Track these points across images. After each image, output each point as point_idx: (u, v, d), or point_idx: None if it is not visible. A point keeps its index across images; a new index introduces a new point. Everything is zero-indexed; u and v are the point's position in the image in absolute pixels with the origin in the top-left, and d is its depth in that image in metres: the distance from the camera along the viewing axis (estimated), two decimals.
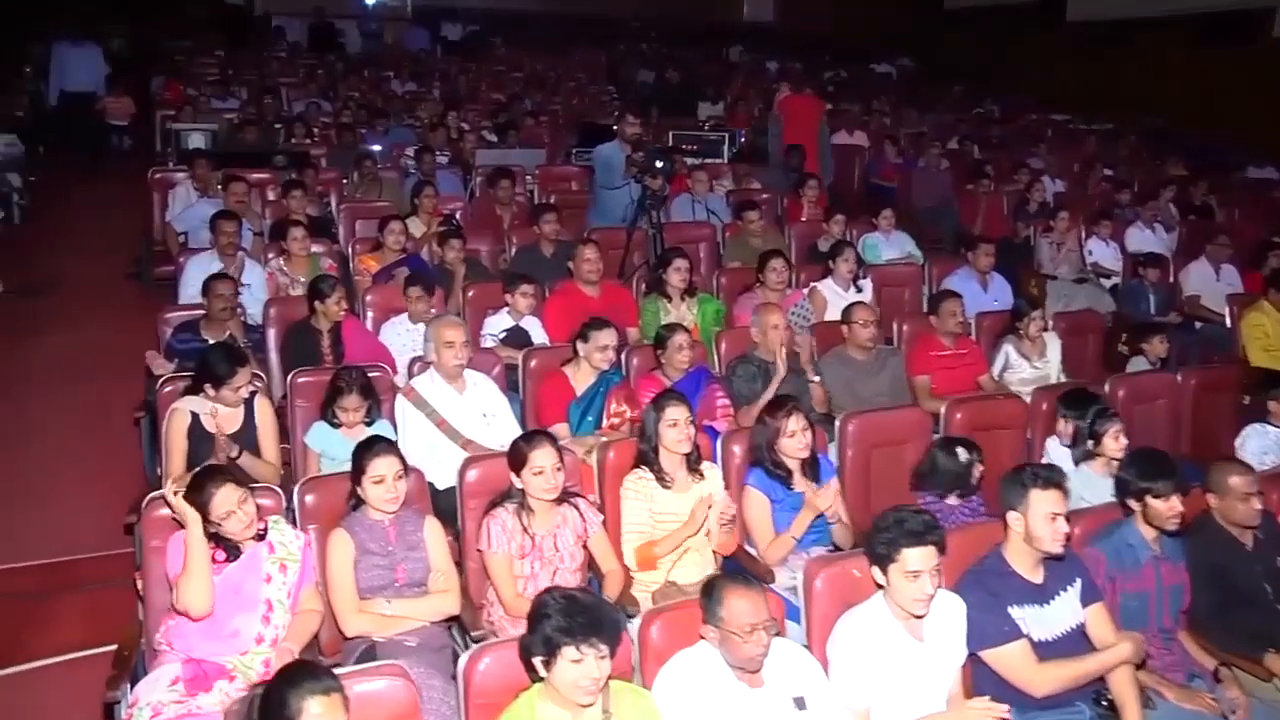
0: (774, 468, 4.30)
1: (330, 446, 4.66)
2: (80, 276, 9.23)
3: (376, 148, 10.45)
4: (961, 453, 4.42)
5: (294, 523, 3.94)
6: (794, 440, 4.28)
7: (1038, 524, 3.53)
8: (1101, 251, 9.12)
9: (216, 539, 3.54)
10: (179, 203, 8.64)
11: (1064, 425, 4.93)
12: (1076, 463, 4.67)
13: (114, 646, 4.26)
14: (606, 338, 5.04)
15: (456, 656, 3.65)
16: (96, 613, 4.83)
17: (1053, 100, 17.63)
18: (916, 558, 3.24)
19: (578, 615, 2.73)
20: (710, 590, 3.10)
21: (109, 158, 12.17)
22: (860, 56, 21.30)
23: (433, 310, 6.06)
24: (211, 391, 4.58)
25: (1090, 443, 4.65)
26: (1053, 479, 3.61)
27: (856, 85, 18.84)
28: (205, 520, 3.50)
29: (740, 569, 4.22)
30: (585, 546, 4.00)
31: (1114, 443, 4.57)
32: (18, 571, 5.22)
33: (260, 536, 3.61)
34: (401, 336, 5.90)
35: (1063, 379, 6.31)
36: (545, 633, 2.74)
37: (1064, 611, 3.62)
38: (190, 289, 6.64)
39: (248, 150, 10.19)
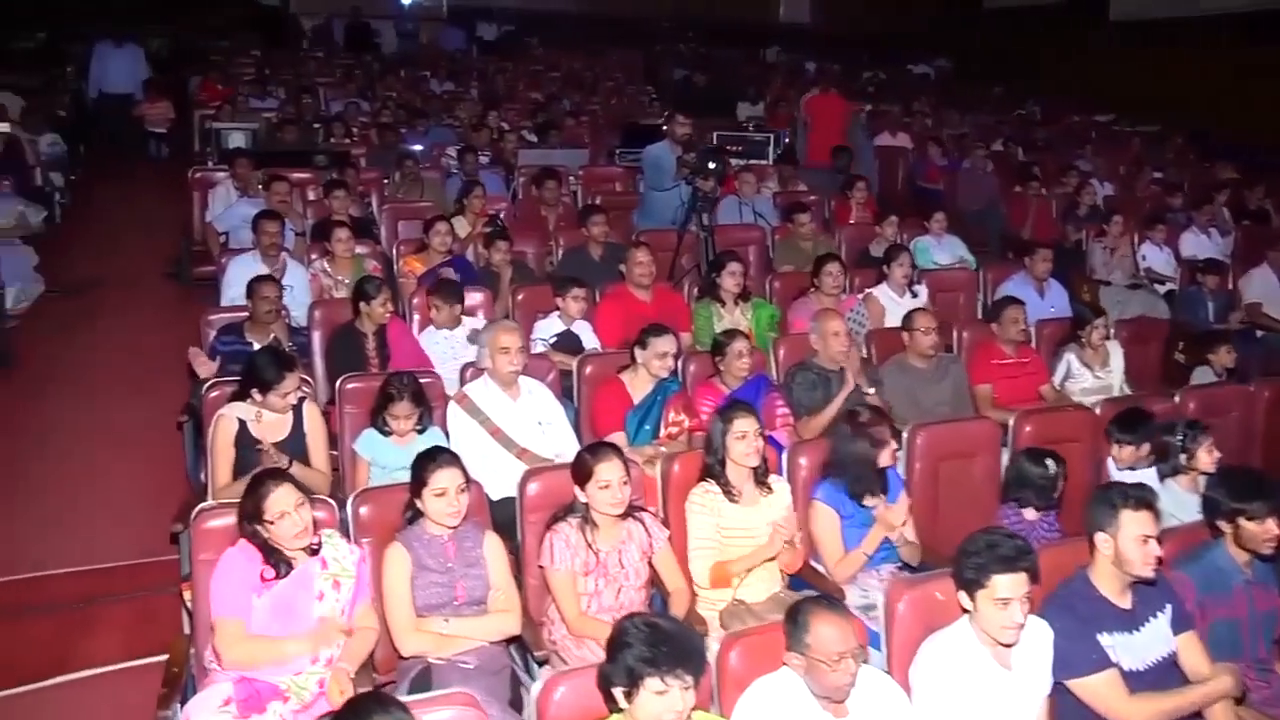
0: (865, 480, 4.13)
1: (381, 455, 4.54)
2: (119, 276, 9.19)
3: (417, 147, 10.34)
4: (1050, 464, 4.24)
5: (347, 535, 3.80)
6: (889, 448, 4.13)
7: (1128, 546, 3.35)
8: (1155, 257, 8.91)
9: (266, 550, 3.41)
10: (219, 202, 8.57)
11: (1119, 450, 4.75)
12: (1162, 478, 4.48)
13: (160, 657, 4.20)
14: (666, 345, 4.89)
15: (515, 678, 3.52)
16: (142, 621, 4.74)
17: (1095, 101, 17.35)
18: (1007, 584, 3.07)
19: (662, 644, 2.56)
20: (796, 616, 2.93)
21: (147, 165, 12.08)
22: (897, 57, 21.06)
23: (480, 317, 5.94)
24: (258, 397, 4.46)
25: (1183, 457, 4.47)
26: (1145, 499, 3.42)
27: (895, 86, 18.62)
28: (258, 522, 3.38)
29: (809, 587, 4.10)
30: (649, 563, 3.85)
31: (1207, 456, 4.39)
32: (62, 578, 5.11)
33: (314, 551, 3.47)
34: (440, 345, 5.73)
35: (1126, 389, 6.13)
36: (627, 662, 2.57)
37: (1155, 640, 3.43)
38: (233, 290, 6.55)
39: (288, 150, 10.11)
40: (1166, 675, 3.41)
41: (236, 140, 10.15)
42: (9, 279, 7.78)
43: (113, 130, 12.52)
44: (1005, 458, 4.91)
